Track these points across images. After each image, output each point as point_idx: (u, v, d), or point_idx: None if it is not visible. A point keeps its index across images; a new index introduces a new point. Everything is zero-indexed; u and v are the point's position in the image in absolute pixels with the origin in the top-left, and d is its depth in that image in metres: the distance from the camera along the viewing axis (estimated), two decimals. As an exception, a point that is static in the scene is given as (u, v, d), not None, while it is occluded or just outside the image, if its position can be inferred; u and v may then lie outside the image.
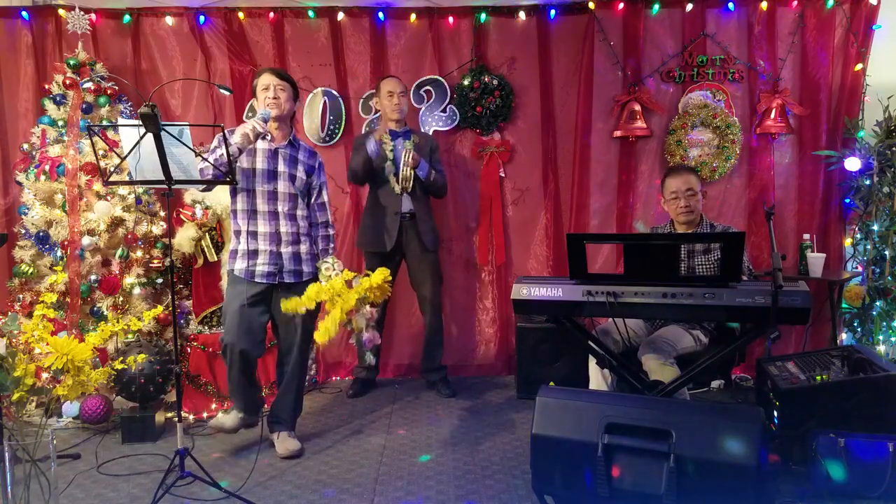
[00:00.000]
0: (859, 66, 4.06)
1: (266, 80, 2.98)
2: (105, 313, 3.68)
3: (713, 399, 3.78)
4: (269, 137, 2.98)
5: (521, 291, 2.60)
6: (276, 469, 2.95)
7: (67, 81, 3.73)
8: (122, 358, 2.57)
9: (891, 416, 2.64)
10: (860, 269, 4.01)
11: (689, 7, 4.08)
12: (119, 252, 3.74)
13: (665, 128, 4.18)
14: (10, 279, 3.76)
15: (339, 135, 4.19)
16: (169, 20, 4.08)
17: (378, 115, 4.16)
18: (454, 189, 4.25)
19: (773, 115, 4.07)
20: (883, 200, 3.90)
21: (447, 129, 4.21)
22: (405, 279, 3.97)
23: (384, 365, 4.25)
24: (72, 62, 3.74)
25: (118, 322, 2.63)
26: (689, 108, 4.12)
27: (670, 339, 2.97)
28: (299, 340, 3.08)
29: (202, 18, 4.07)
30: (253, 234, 3.01)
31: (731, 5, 4.08)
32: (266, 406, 3.31)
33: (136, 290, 3.76)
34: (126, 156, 2.55)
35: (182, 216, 3.75)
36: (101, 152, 3.64)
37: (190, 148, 2.58)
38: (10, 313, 2.70)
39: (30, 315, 3.34)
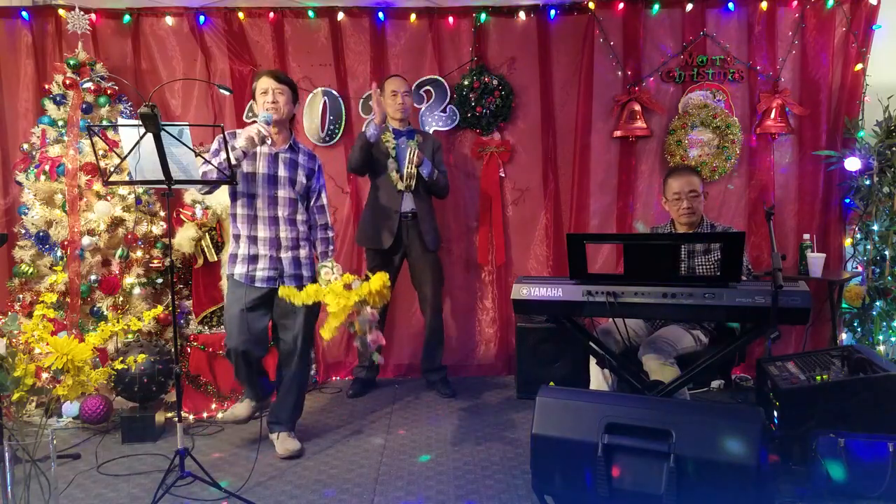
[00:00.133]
0: (859, 66, 4.06)
1: (265, 84, 2.96)
2: (105, 313, 3.68)
3: (713, 399, 3.78)
4: (269, 142, 2.96)
5: (521, 291, 2.60)
6: (276, 469, 2.95)
7: (67, 81, 3.73)
8: (122, 358, 2.57)
9: (891, 416, 2.64)
10: (860, 269, 4.01)
11: (689, 7, 4.08)
12: (119, 252, 3.75)
13: (665, 128, 4.18)
14: (10, 279, 3.76)
15: (339, 135, 4.19)
16: (169, 20, 4.08)
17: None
18: (454, 189, 4.24)
19: (773, 115, 4.07)
20: (883, 200, 3.90)
21: (447, 129, 4.21)
22: (406, 279, 3.97)
23: (384, 365, 4.25)
24: (72, 62, 3.74)
25: (118, 322, 2.63)
26: (689, 108, 4.12)
27: (671, 339, 2.97)
28: (300, 344, 3.07)
29: (202, 18, 4.07)
30: (253, 239, 3.01)
31: (731, 5, 4.08)
32: (274, 397, 3.29)
33: (136, 290, 3.76)
34: (126, 156, 2.55)
35: (182, 216, 3.75)
36: (101, 152, 3.64)
37: (190, 148, 2.58)
38: (10, 313, 2.70)
39: (30, 315, 3.34)
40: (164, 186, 2.57)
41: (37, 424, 2.15)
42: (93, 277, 3.69)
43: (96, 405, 3.39)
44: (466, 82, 4.11)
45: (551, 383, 3.36)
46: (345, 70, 4.18)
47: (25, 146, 3.83)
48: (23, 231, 3.78)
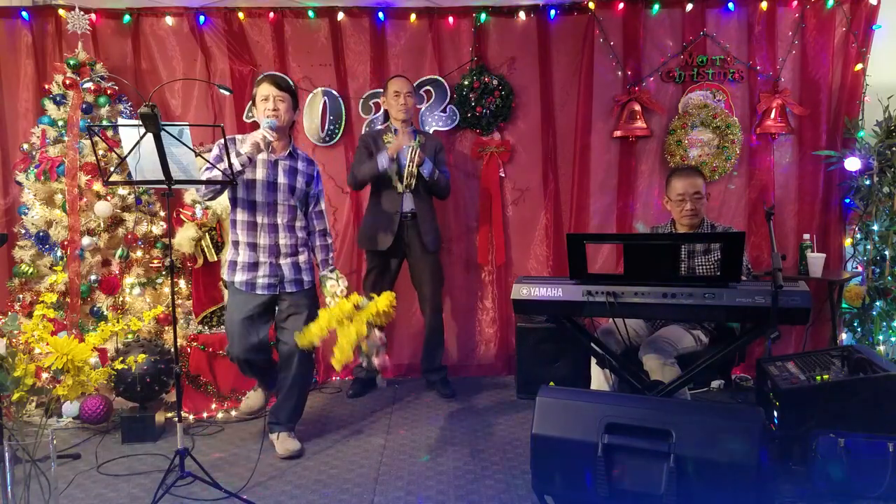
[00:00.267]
0: (859, 66, 4.06)
1: (265, 91, 2.95)
2: (105, 313, 3.68)
3: (713, 399, 3.78)
4: (269, 148, 2.97)
5: (521, 291, 2.60)
6: (276, 469, 2.95)
7: (67, 81, 3.73)
8: (122, 358, 2.57)
9: (891, 416, 2.64)
10: (860, 269, 4.01)
11: (689, 7, 4.08)
12: (119, 252, 3.75)
13: (665, 128, 4.18)
14: (10, 279, 3.76)
15: (339, 135, 4.19)
16: (169, 20, 4.07)
17: (378, 114, 4.16)
18: (454, 189, 4.24)
19: (773, 115, 4.07)
20: (883, 200, 3.90)
21: (447, 129, 4.21)
22: (406, 279, 3.97)
23: (385, 366, 4.24)
24: (72, 62, 3.74)
25: (118, 322, 2.63)
26: (689, 108, 4.12)
27: (671, 338, 2.97)
28: (300, 350, 3.05)
29: (202, 18, 4.07)
30: (252, 246, 3.01)
31: (731, 5, 4.08)
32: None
33: (136, 290, 3.76)
34: (126, 156, 2.55)
35: (182, 216, 3.75)
36: (101, 152, 3.64)
37: (190, 148, 2.58)
38: (10, 313, 2.70)
39: (30, 315, 3.35)
40: (164, 186, 2.58)
41: (37, 424, 2.15)
42: (93, 277, 3.70)
43: (96, 405, 3.40)
44: (466, 82, 4.11)
45: (551, 383, 3.36)
46: (345, 70, 4.18)
47: (25, 146, 3.83)
48: (23, 231, 3.78)
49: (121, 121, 3.55)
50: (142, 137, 2.48)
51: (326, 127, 4.18)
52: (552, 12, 4.12)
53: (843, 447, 2.54)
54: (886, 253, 3.90)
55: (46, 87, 3.87)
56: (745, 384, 3.95)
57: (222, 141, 2.67)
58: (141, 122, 2.40)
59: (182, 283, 3.86)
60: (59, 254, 3.67)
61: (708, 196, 3.29)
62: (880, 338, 3.88)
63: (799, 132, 4.17)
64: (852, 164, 3.92)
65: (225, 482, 2.74)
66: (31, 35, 4.03)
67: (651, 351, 2.88)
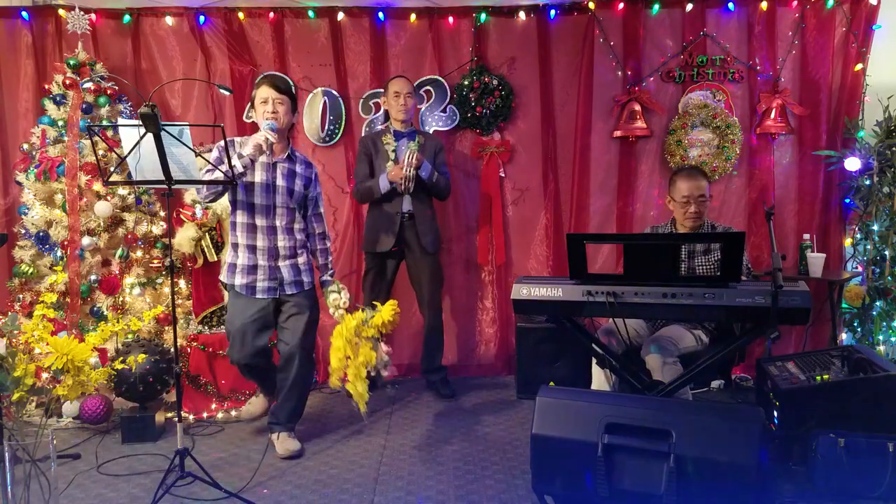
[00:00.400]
0: (859, 66, 4.06)
1: (265, 93, 2.95)
2: (105, 313, 3.68)
3: (713, 399, 3.78)
4: (271, 150, 2.97)
5: (521, 291, 2.60)
6: (276, 469, 2.95)
7: (67, 81, 3.73)
8: (122, 358, 2.57)
9: (891, 416, 2.64)
10: (860, 269, 4.01)
11: (689, 7, 4.08)
12: (119, 252, 3.75)
13: (665, 128, 4.18)
14: (10, 279, 3.76)
15: (339, 135, 4.19)
16: (169, 20, 4.07)
17: (378, 114, 4.16)
18: (454, 189, 4.24)
19: (773, 115, 4.07)
20: (883, 200, 3.90)
21: (447, 129, 4.21)
22: (405, 279, 3.97)
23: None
24: (72, 62, 3.74)
25: (118, 322, 2.63)
26: (689, 108, 4.12)
27: (674, 337, 2.97)
28: (301, 347, 3.07)
29: (202, 18, 4.07)
30: (251, 249, 3.01)
31: (731, 5, 4.08)
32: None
33: (136, 290, 3.76)
34: (126, 156, 2.55)
35: (182, 216, 3.75)
36: (101, 152, 3.64)
37: (190, 148, 2.58)
38: (10, 313, 2.70)
39: (30, 315, 3.35)
40: (164, 186, 2.58)
41: (37, 424, 2.15)
42: (93, 277, 3.70)
43: (96, 405, 3.40)
44: (466, 82, 4.11)
45: (551, 383, 3.36)
46: (345, 70, 4.17)
47: (25, 146, 3.83)
48: (23, 231, 3.78)
49: (121, 121, 3.55)
50: (142, 137, 2.48)
51: (326, 127, 4.18)
52: (552, 12, 4.12)
53: (843, 447, 2.54)
54: (886, 253, 3.90)
55: (46, 87, 3.87)
56: (745, 384, 3.95)
57: (222, 143, 2.67)
58: (141, 122, 2.40)
59: (182, 283, 3.86)
60: (59, 254, 3.67)
61: (710, 197, 3.29)
62: (880, 338, 3.88)
63: (799, 132, 4.17)
64: (852, 164, 3.92)
65: (225, 482, 2.74)
66: (31, 35, 4.03)
67: (654, 350, 2.88)
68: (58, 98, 3.75)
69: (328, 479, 2.84)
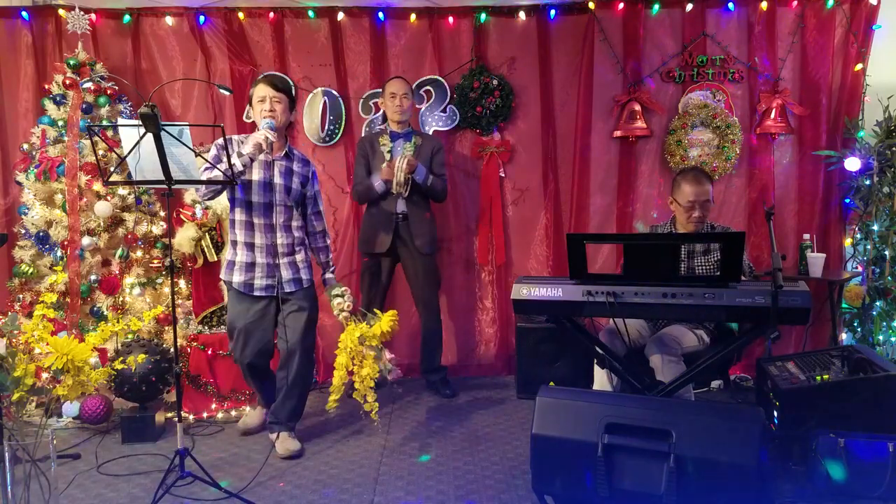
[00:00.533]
0: (859, 66, 4.05)
1: (262, 92, 2.96)
2: (105, 313, 3.68)
3: (713, 399, 3.78)
4: (270, 149, 2.97)
5: (521, 291, 2.60)
6: (276, 469, 2.95)
7: (67, 81, 3.73)
8: (122, 358, 2.57)
9: (891, 416, 2.64)
10: (860, 269, 4.01)
11: (689, 7, 4.08)
12: (119, 252, 3.75)
13: (665, 128, 4.18)
14: (10, 279, 3.76)
15: (339, 135, 4.18)
16: (169, 20, 4.07)
17: (378, 114, 4.16)
18: (454, 189, 4.25)
19: (773, 115, 4.07)
20: (883, 200, 3.90)
21: (447, 129, 4.21)
22: (404, 279, 3.97)
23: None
24: (72, 62, 3.74)
25: (118, 322, 2.63)
26: (689, 108, 4.12)
27: (677, 337, 2.97)
28: (302, 345, 3.07)
29: (202, 18, 4.07)
30: (249, 246, 3.03)
31: (731, 5, 4.08)
32: None
33: (136, 290, 3.76)
34: (126, 156, 2.55)
35: (182, 216, 3.75)
36: (101, 152, 3.64)
37: (190, 148, 2.58)
38: (10, 313, 2.70)
39: (30, 315, 3.34)
40: (164, 186, 2.58)
41: (37, 424, 2.15)
42: (93, 277, 3.70)
43: (96, 405, 3.40)
44: (466, 82, 4.11)
45: (551, 383, 3.36)
46: (345, 70, 4.17)
47: (25, 146, 3.83)
48: (23, 231, 3.78)
49: (121, 121, 3.55)
50: (142, 137, 2.48)
51: (326, 127, 4.18)
52: (552, 12, 4.12)
53: (843, 447, 2.54)
54: (886, 253, 3.90)
55: (46, 87, 3.87)
56: (745, 384, 3.95)
57: (220, 141, 2.67)
58: (141, 122, 2.40)
59: (182, 283, 3.86)
60: (59, 254, 3.67)
61: (713, 201, 3.29)
62: (880, 338, 3.88)
63: (799, 132, 4.17)
64: (852, 164, 3.92)
65: (225, 482, 2.74)
66: (31, 35, 4.03)
67: (658, 350, 2.88)
68: (58, 98, 3.75)
69: (328, 479, 2.84)
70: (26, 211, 3.74)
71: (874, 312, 3.91)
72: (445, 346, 4.11)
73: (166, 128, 2.47)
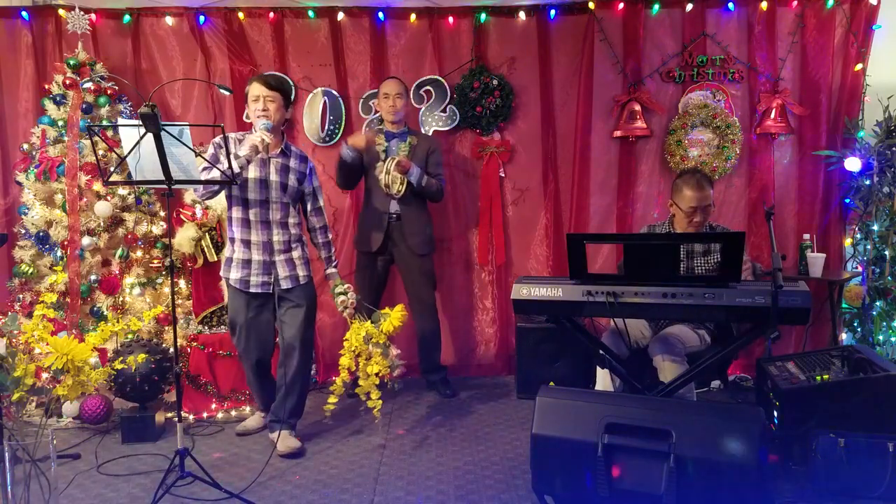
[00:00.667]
0: (859, 66, 4.05)
1: (256, 91, 2.98)
2: (105, 313, 3.68)
3: (713, 399, 3.78)
4: (267, 150, 2.99)
5: (521, 291, 2.60)
6: (276, 469, 2.95)
7: (67, 81, 3.73)
8: (122, 358, 2.57)
9: (891, 416, 2.64)
10: (860, 269, 4.01)
11: (689, 7, 4.08)
12: (119, 252, 3.75)
13: (665, 128, 4.18)
14: (10, 279, 3.76)
15: (339, 135, 4.18)
16: (169, 20, 4.07)
17: (377, 115, 4.16)
18: (454, 189, 4.25)
19: (773, 115, 4.07)
20: (883, 200, 3.90)
21: (447, 129, 4.21)
22: (401, 279, 3.97)
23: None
24: (72, 62, 3.74)
25: (118, 322, 2.63)
26: (689, 108, 4.12)
27: (682, 337, 2.97)
28: (300, 342, 3.08)
29: (202, 18, 4.07)
30: (246, 243, 3.05)
31: (731, 5, 4.08)
32: None
33: (136, 290, 3.76)
34: (126, 156, 2.55)
35: (182, 216, 3.75)
36: (101, 152, 3.64)
37: (190, 148, 2.58)
38: (10, 313, 2.70)
39: (30, 315, 3.35)
40: (164, 186, 2.58)
41: (37, 424, 2.15)
42: (93, 277, 3.70)
43: (96, 405, 3.40)
44: (466, 82, 4.11)
45: (551, 383, 3.36)
46: (345, 70, 4.17)
47: (25, 146, 3.83)
48: (23, 231, 3.78)
49: (121, 121, 3.55)
50: (142, 137, 2.48)
51: (326, 127, 4.18)
52: (552, 12, 4.11)
53: (843, 447, 2.54)
54: (886, 253, 3.90)
55: (46, 87, 3.87)
56: (745, 384, 3.95)
57: (217, 140, 2.68)
58: (141, 122, 2.40)
59: (182, 283, 3.86)
60: (59, 254, 3.67)
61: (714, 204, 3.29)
62: (880, 338, 3.88)
63: (799, 132, 4.17)
64: (852, 164, 3.92)
65: (225, 482, 2.74)
66: (31, 35, 4.03)
67: (662, 350, 2.88)
68: (58, 98, 3.75)
69: (328, 479, 2.84)
70: (26, 211, 3.74)
71: (874, 312, 3.91)
72: (445, 346, 4.11)
73: (166, 128, 2.47)
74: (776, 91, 4.08)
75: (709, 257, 3.15)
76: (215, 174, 2.78)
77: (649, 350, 2.97)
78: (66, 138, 3.70)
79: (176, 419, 2.69)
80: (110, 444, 3.29)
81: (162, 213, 3.93)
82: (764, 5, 4.05)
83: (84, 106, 3.73)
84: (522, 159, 4.26)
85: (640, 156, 4.24)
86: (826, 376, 2.79)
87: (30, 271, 3.68)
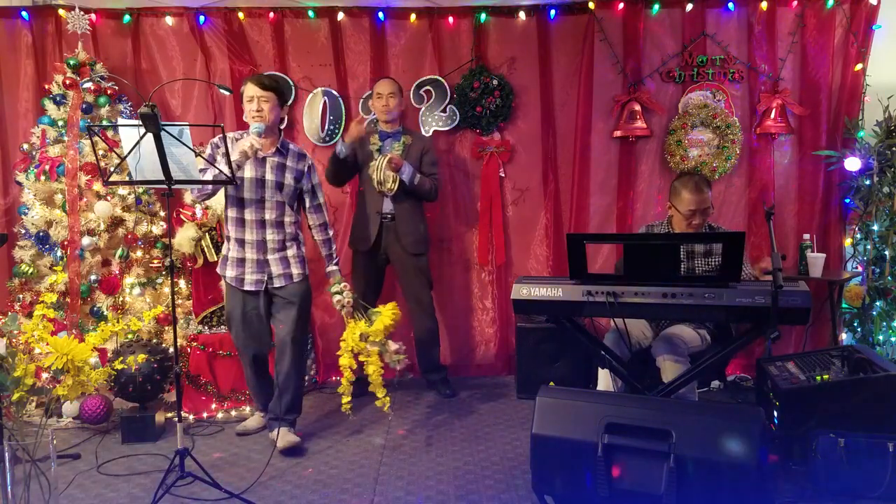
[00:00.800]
0: (859, 66, 4.05)
1: (250, 92, 3.00)
2: (105, 313, 3.68)
3: (713, 399, 3.78)
4: (256, 154, 3.00)
5: (521, 291, 2.60)
6: (276, 469, 2.95)
7: (67, 81, 3.73)
8: (122, 358, 2.57)
9: (891, 416, 2.64)
10: (860, 269, 4.01)
11: (689, 7, 4.08)
12: (119, 252, 3.75)
13: (665, 128, 4.18)
14: (10, 279, 3.76)
15: (339, 135, 4.18)
16: (169, 20, 4.07)
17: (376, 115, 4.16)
18: (454, 189, 4.25)
19: (773, 115, 4.07)
20: (883, 200, 3.90)
21: (447, 129, 4.21)
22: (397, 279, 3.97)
23: (385, 365, 4.24)
24: (72, 62, 3.74)
25: (118, 322, 2.63)
26: (689, 108, 4.12)
27: (684, 337, 2.97)
28: (294, 338, 3.11)
29: (202, 18, 4.07)
30: (240, 242, 3.08)
31: (731, 5, 4.08)
32: None
33: (136, 290, 3.76)
34: (126, 156, 2.55)
35: (182, 216, 3.75)
36: (101, 152, 3.64)
37: (190, 148, 2.58)
38: (10, 313, 2.70)
39: (30, 315, 3.34)
40: (164, 186, 2.58)
41: (37, 424, 2.15)
42: (93, 277, 3.70)
43: (96, 405, 3.40)
44: (466, 82, 4.11)
45: (551, 383, 3.36)
46: (345, 70, 4.18)
47: (25, 146, 3.83)
48: (23, 231, 3.78)
49: (121, 121, 3.55)
50: (142, 137, 2.48)
51: (326, 127, 4.18)
52: (552, 12, 4.11)
53: (843, 447, 2.54)
54: (886, 253, 3.90)
55: (46, 87, 3.87)
56: (745, 384, 3.95)
57: (216, 140, 2.69)
58: (141, 122, 2.40)
59: (182, 283, 3.86)
60: (59, 254, 3.67)
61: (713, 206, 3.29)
62: (880, 338, 3.88)
63: (799, 132, 4.17)
64: (852, 164, 3.92)
65: (225, 482, 2.74)
66: (31, 35, 4.03)
67: (665, 351, 2.88)
68: (58, 98, 3.75)
69: (328, 479, 2.84)
70: (26, 211, 3.74)
71: (874, 312, 3.91)
72: (445, 346, 4.11)
73: (166, 128, 2.47)
74: (776, 91, 4.08)
75: (710, 258, 3.15)
76: (213, 174, 2.79)
77: (652, 350, 2.97)
78: (66, 138, 3.70)
79: (176, 419, 2.69)
80: (110, 444, 3.29)
81: (162, 213, 3.93)
82: (764, 5, 4.05)
83: (84, 106, 3.73)
84: (522, 159, 4.26)
85: (640, 156, 4.23)
86: (826, 376, 2.79)
87: (30, 271, 3.68)
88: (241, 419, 3.51)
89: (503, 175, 4.25)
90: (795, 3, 4.07)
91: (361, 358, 3.08)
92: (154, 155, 2.50)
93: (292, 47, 4.15)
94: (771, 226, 2.52)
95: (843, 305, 3.99)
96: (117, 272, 3.76)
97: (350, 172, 3.79)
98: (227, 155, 2.68)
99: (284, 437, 3.09)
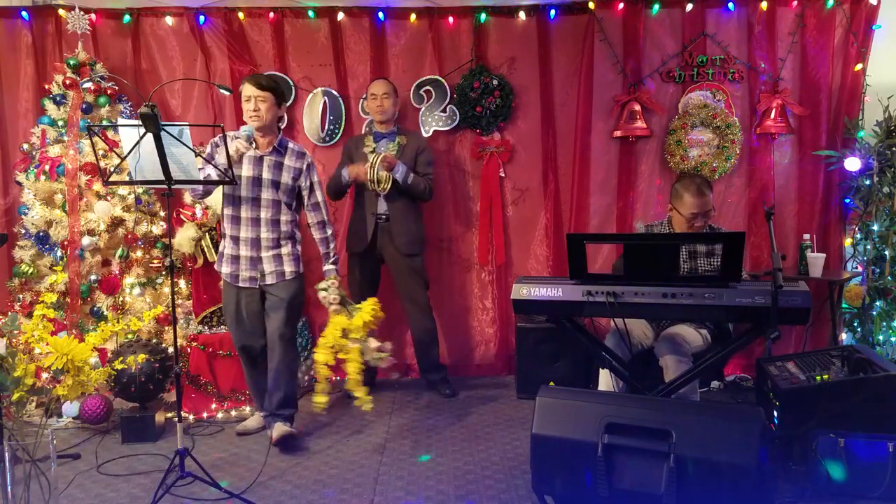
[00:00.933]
0: (859, 66, 4.05)
1: (247, 92, 3.02)
2: (105, 313, 3.68)
3: (713, 399, 3.77)
4: (254, 145, 3.02)
5: (521, 291, 2.60)
6: (276, 469, 2.95)
7: (67, 81, 3.73)
8: (122, 358, 2.57)
9: (891, 416, 2.64)
10: (860, 269, 4.01)
11: (689, 7, 4.08)
12: (119, 252, 3.75)
13: (665, 128, 4.18)
14: (10, 279, 3.76)
15: (339, 135, 4.18)
16: (169, 20, 4.07)
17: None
18: (454, 189, 4.25)
19: (773, 115, 4.07)
20: (883, 200, 3.90)
21: (447, 129, 4.21)
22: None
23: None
24: (72, 62, 3.74)
25: (118, 322, 2.63)
26: (689, 108, 4.11)
27: (686, 337, 2.97)
28: (282, 334, 3.13)
29: (202, 18, 4.07)
30: (235, 240, 3.11)
31: (731, 5, 4.08)
32: None
33: (136, 290, 3.76)
34: (126, 156, 2.55)
35: (182, 216, 3.75)
36: (101, 152, 3.64)
37: (190, 148, 2.58)
38: (10, 313, 2.70)
39: (30, 315, 3.34)
40: (164, 186, 2.58)
41: (37, 424, 2.15)
42: (93, 277, 3.70)
43: (96, 405, 3.40)
44: (466, 82, 4.11)
45: (551, 383, 3.36)
46: (345, 70, 4.18)
47: (25, 146, 3.83)
48: (23, 231, 3.78)
49: (121, 121, 3.55)
50: (142, 137, 2.48)
51: (326, 127, 4.18)
52: (552, 12, 4.11)
53: (843, 447, 2.54)
54: (886, 253, 3.89)
55: (46, 87, 3.87)
56: (745, 384, 3.95)
57: (216, 139, 2.69)
58: (141, 122, 2.40)
59: (182, 283, 3.86)
60: (59, 254, 3.67)
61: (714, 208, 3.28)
62: (880, 338, 3.88)
63: (799, 132, 4.17)
64: (852, 164, 3.92)
65: (225, 482, 2.74)
66: (31, 35, 4.02)
67: (669, 351, 2.88)
68: (58, 98, 3.75)
69: (328, 479, 2.84)
70: (26, 211, 3.74)
71: (874, 312, 3.91)
72: (445, 346, 4.11)
73: (166, 128, 2.47)
74: (776, 91, 4.08)
75: (713, 258, 3.15)
76: (211, 172, 2.80)
77: (655, 350, 2.97)
78: (66, 138, 3.70)
79: (176, 419, 2.69)
80: (110, 444, 3.29)
81: (162, 213, 3.93)
82: (764, 5, 4.05)
83: (84, 106, 3.73)
84: (522, 159, 4.26)
85: (640, 156, 4.23)
86: (826, 376, 2.79)
87: (30, 271, 3.68)
88: (241, 419, 3.51)
89: (503, 175, 4.25)
90: (795, 3, 4.07)
91: (340, 355, 3.02)
92: (154, 155, 2.50)
93: (292, 47, 4.15)
94: (771, 226, 2.52)
95: (843, 305, 3.99)
96: (117, 272, 3.76)
97: (347, 190, 3.86)
98: (227, 154, 2.69)
99: (278, 429, 3.10)
